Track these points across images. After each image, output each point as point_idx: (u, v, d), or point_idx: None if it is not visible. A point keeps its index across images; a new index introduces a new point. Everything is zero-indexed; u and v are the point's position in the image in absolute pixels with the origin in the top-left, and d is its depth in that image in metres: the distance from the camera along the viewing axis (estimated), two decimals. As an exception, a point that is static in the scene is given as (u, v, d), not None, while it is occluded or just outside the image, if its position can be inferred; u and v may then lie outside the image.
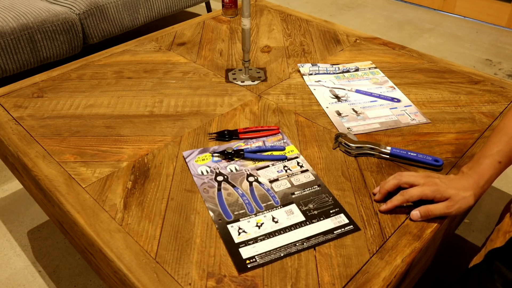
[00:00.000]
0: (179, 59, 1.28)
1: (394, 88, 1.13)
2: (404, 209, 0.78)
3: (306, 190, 0.82)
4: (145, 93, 1.11)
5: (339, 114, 1.04)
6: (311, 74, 1.19)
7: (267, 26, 1.48)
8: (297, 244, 0.71)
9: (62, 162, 0.89)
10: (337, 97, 1.10)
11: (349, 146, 0.90)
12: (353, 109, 1.05)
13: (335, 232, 0.73)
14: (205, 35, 1.41)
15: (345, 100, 1.09)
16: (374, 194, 0.80)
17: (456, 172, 0.86)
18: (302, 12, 1.60)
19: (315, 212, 0.77)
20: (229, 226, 0.74)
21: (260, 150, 0.91)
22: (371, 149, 0.90)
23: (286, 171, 0.86)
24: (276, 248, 0.70)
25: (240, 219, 0.76)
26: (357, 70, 1.22)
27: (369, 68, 1.23)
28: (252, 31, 1.45)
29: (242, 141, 0.95)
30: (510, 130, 0.75)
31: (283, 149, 0.91)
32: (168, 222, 0.75)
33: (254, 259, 0.69)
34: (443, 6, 2.97)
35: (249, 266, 0.68)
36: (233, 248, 0.71)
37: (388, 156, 0.89)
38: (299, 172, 0.86)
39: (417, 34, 2.67)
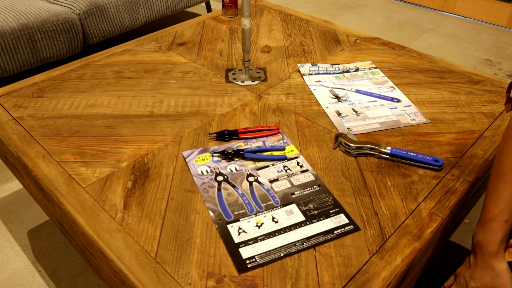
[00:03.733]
0: (179, 59, 1.28)
1: (394, 88, 1.13)
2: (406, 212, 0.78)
3: (306, 190, 0.82)
4: (145, 93, 1.11)
5: (339, 114, 1.04)
6: (311, 74, 1.19)
7: (267, 26, 1.48)
8: (297, 244, 0.71)
9: (62, 162, 0.89)
10: (337, 97, 1.10)
11: (349, 146, 0.90)
12: (353, 109, 1.05)
13: (335, 232, 0.73)
14: (205, 35, 1.42)
15: (345, 100, 1.09)
16: None
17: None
18: (302, 12, 1.60)
19: (315, 212, 0.77)
20: (229, 226, 0.74)
21: (260, 150, 0.91)
22: (371, 149, 0.90)
23: (286, 171, 0.86)
24: (276, 248, 0.70)
25: (240, 219, 0.76)
26: (357, 70, 1.22)
27: (369, 68, 1.23)
28: (252, 31, 1.45)
29: (242, 141, 0.95)
30: (510, 183, 0.69)
31: (283, 149, 0.91)
32: (168, 222, 0.75)
33: (254, 259, 0.69)
34: (443, 6, 2.97)
35: (249, 266, 0.68)
36: (233, 248, 0.71)
37: (388, 156, 0.89)
38: (299, 172, 0.86)
39: (417, 34, 2.67)
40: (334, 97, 1.10)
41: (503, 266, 0.67)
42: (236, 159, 0.89)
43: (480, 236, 0.69)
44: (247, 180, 0.84)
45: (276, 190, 0.82)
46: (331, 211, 0.77)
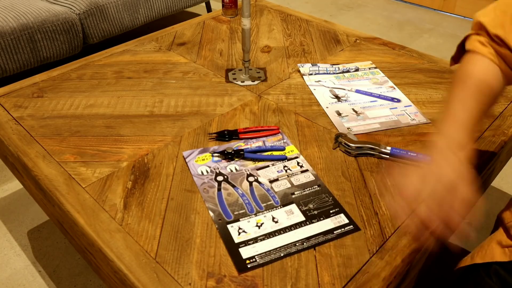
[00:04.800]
0: (179, 59, 1.28)
1: (394, 88, 1.13)
2: None
3: (306, 190, 0.82)
4: (145, 93, 1.11)
5: (339, 114, 1.04)
6: (311, 74, 1.19)
7: (267, 26, 1.48)
8: (297, 244, 0.71)
9: (62, 162, 0.89)
10: (337, 97, 1.10)
11: (349, 146, 0.90)
12: (353, 109, 1.05)
13: (335, 232, 0.73)
14: (205, 35, 1.42)
15: (345, 100, 1.09)
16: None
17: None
18: (302, 12, 1.60)
19: (315, 212, 0.77)
20: (229, 226, 0.74)
21: (260, 150, 0.91)
22: (371, 149, 0.90)
23: (286, 171, 0.86)
24: (276, 248, 0.70)
25: (240, 219, 0.76)
26: (357, 70, 1.22)
27: (369, 68, 1.23)
28: (252, 31, 1.45)
29: (242, 141, 0.95)
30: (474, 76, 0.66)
31: (283, 149, 0.91)
32: (168, 222, 0.75)
33: (254, 259, 0.69)
34: (443, 6, 2.97)
35: (249, 266, 0.68)
36: (233, 248, 0.71)
37: (388, 156, 0.89)
38: (299, 172, 0.86)
39: (417, 34, 2.67)
40: (334, 97, 1.10)
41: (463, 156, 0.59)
42: (236, 159, 0.89)
43: (437, 130, 0.63)
44: (247, 180, 0.84)
45: (276, 190, 0.82)
46: (331, 211, 0.77)
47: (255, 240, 0.72)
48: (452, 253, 1.25)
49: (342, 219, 0.76)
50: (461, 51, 0.77)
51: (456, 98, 0.67)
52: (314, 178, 0.84)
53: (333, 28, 1.46)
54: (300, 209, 0.77)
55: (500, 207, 0.87)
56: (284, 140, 0.95)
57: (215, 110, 1.05)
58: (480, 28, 0.70)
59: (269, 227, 0.74)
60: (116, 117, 1.03)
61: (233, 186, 0.83)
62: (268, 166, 0.88)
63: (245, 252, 0.70)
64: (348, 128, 0.98)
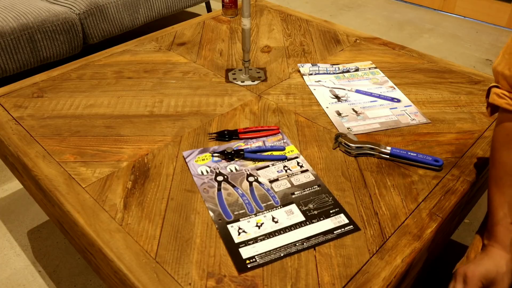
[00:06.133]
0: (179, 59, 1.28)
1: (394, 88, 1.13)
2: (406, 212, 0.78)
3: (306, 190, 0.82)
4: (145, 93, 1.11)
5: (339, 114, 1.04)
6: (311, 74, 1.19)
7: (267, 26, 1.48)
8: (297, 244, 0.71)
9: (62, 162, 0.89)
10: (337, 97, 1.10)
11: (349, 146, 0.90)
12: (353, 109, 1.05)
13: (335, 232, 0.73)
14: (205, 35, 1.42)
15: (345, 100, 1.09)
16: None
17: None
18: (302, 12, 1.60)
19: (315, 212, 0.77)
20: (229, 226, 0.74)
21: (260, 150, 0.91)
22: (371, 149, 0.90)
23: (286, 171, 0.86)
24: (276, 248, 0.70)
25: (240, 219, 0.76)
26: (357, 70, 1.22)
27: (369, 68, 1.23)
28: (252, 31, 1.45)
29: (242, 141, 0.95)
30: (508, 185, 0.71)
31: (283, 149, 0.91)
32: (168, 222, 0.75)
33: (254, 259, 0.69)
34: (443, 6, 2.97)
35: (249, 266, 0.68)
36: (233, 248, 0.71)
37: (388, 156, 0.89)
38: (299, 172, 0.86)
39: (417, 34, 2.67)
40: (334, 97, 1.10)
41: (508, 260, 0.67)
42: (236, 159, 0.89)
43: (492, 241, 0.70)
44: (247, 180, 0.84)
45: (276, 190, 0.82)
46: (331, 211, 0.77)
47: (255, 240, 0.72)
48: (453, 252, 1.25)
49: (342, 219, 0.76)
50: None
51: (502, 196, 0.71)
52: (314, 178, 0.84)
53: (333, 28, 1.46)
54: (300, 209, 0.77)
55: (500, 207, 0.87)
56: (284, 140, 0.95)
57: (215, 110, 1.05)
58: (497, 77, 0.72)
59: (269, 227, 0.74)
60: (116, 117, 1.03)
61: (233, 186, 0.83)
62: (268, 166, 0.88)
63: (245, 252, 0.70)
64: (348, 128, 0.98)
